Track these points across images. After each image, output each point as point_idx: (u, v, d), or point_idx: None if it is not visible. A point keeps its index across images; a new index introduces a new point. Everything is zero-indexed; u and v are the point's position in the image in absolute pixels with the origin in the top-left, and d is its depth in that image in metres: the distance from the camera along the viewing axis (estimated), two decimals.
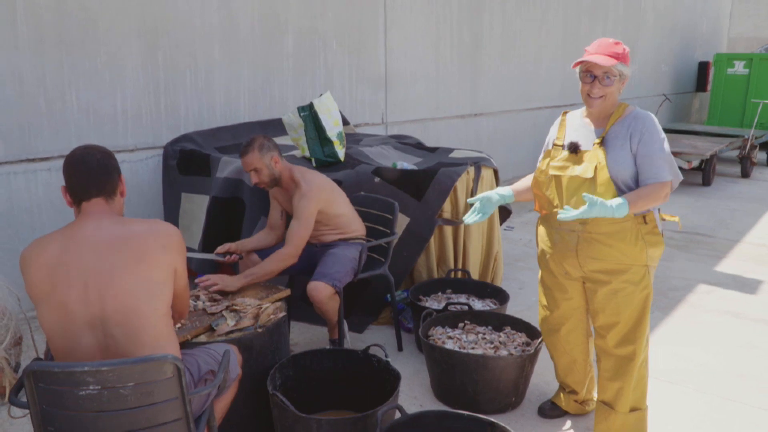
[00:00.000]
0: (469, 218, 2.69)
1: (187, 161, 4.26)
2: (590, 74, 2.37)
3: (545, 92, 8.51)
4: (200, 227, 4.11)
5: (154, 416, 1.77)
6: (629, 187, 2.38)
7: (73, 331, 1.81)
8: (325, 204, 3.27)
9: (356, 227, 3.46)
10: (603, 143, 2.40)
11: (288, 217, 3.46)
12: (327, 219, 3.34)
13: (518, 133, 8.16)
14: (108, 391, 1.69)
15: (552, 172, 2.50)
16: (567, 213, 2.26)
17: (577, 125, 2.53)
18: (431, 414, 2.40)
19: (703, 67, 12.99)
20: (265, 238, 3.43)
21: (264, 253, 3.35)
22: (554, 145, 2.56)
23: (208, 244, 4.06)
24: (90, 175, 1.88)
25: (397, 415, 2.36)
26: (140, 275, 1.82)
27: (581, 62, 2.39)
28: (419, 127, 6.59)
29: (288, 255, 3.09)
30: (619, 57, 2.35)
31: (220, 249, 3.29)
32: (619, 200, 2.27)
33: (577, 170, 2.42)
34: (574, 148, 2.45)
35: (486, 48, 7.37)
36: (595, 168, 2.37)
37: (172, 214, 4.31)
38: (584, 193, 2.27)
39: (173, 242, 1.92)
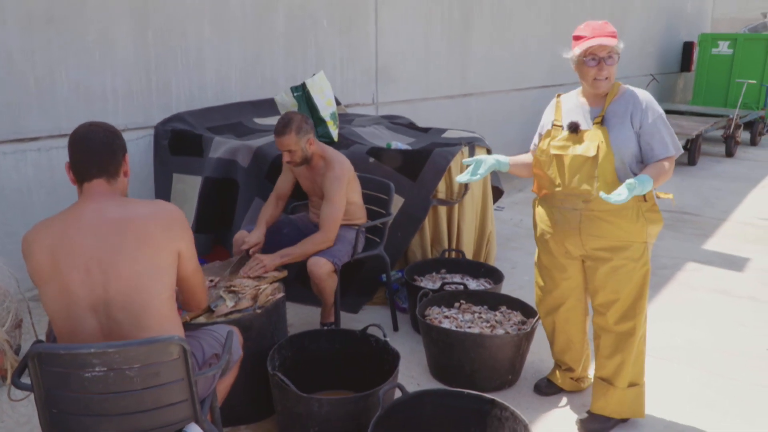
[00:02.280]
0: (462, 177, 2.67)
1: (178, 141, 4.22)
2: (594, 58, 2.38)
3: (534, 73, 8.51)
4: (193, 208, 4.07)
5: (159, 397, 1.77)
6: (630, 164, 2.42)
7: (76, 313, 1.79)
8: (348, 188, 3.25)
9: (360, 216, 3.43)
10: (603, 122, 2.43)
11: (297, 187, 3.44)
12: None
13: (507, 114, 8.16)
14: (114, 372, 1.69)
15: (553, 151, 2.53)
16: (618, 197, 2.20)
17: (573, 106, 2.56)
18: (432, 392, 2.42)
19: (688, 47, 13.03)
20: (273, 212, 3.39)
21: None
22: (554, 125, 2.59)
23: (201, 225, 4.04)
24: (92, 154, 1.83)
25: (398, 394, 2.37)
26: (143, 259, 1.80)
27: (588, 47, 2.36)
28: (409, 108, 6.56)
29: (323, 240, 3.13)
30: (616, 36, 2.39)
31: (245, 246, 3.12)
32: (643, 177, 2.27)
33: (578, 149, 2.45)
34: (574, 128, 2.48)
35: (476, 28, 7.34)
36: (597, 147, 2.39)
37: (163, 194, 4.26)
38: (627, 180, 2.23)
39: (176, 224, 1.88)
